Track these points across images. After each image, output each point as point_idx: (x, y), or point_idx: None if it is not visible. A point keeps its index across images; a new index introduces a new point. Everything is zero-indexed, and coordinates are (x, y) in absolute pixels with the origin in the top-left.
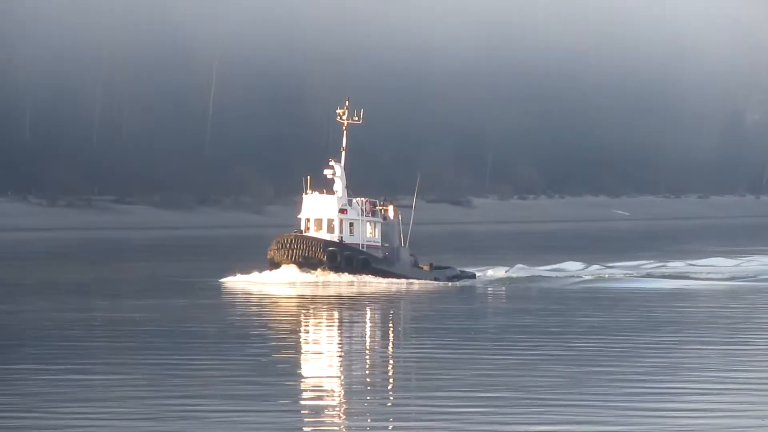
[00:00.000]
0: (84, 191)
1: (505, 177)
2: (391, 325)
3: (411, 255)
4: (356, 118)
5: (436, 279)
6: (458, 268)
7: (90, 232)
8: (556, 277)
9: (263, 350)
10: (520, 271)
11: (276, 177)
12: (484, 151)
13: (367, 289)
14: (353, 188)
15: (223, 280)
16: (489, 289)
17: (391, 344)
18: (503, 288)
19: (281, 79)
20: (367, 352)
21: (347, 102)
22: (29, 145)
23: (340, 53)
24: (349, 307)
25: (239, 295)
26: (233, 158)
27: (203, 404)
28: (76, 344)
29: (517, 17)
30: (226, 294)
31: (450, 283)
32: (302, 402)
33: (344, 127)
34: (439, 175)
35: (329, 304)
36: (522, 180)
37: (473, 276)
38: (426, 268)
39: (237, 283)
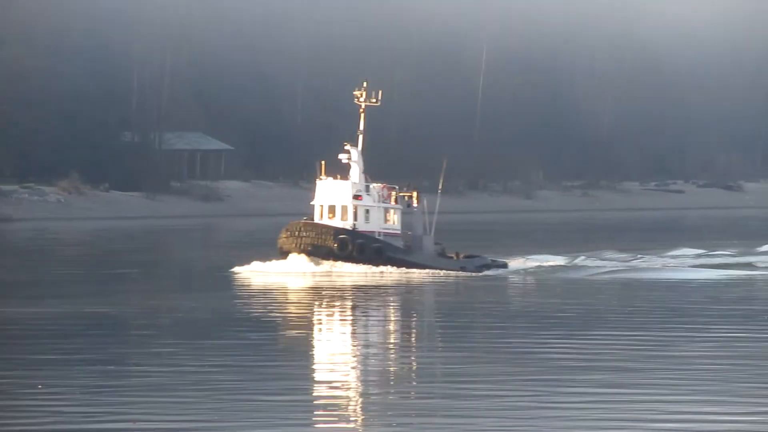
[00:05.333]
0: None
1: None
2: (395, 319)
3: (437, 244)
4: (374, 100)
5: (462, 268)
6: (489, 258)
7: None
8: (589, 267)
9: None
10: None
11: (546, 162)
12: (755, 135)
13: (376, 280)
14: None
15: (234, 269)
16: (512, 278)
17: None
18: (525, 278)
19: (548, 64)
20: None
21: (365, 84)
22: (300, 134)
23: (597, 40)
24: (353, 299)
25: (246, 288)
26: (503, 144)
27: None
28: None
29: None
30: (237, 286)
31: (474, 273)
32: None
33: (361, 110)
34: (711, 159)
35: (333, 295)
36: None
37: (505, 265)
38: (455, 257)
39: (248, 273)
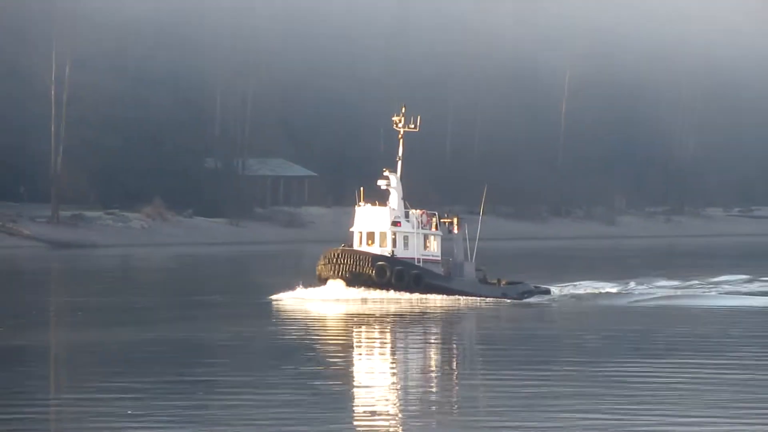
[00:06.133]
0: (435, 204)
1: None
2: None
3: (479, 270)
4: (412, 126)
5: (504, 295)
6: (532, 284)
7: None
8: (628, 294)
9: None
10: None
11: (628, 188)
12: None
13: (415, 307)
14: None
15: (272, 297)
16: (553, 305)
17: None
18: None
19: (631, 90)
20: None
21: (403, 109)
22: (382, 160)
23: (679, 65)
24: (392, 327)
25: (287, 314)
26: (585, 169)
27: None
28: None
29: None
30: (276, 312)
31: (516, 300)
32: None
33: (400, 136)
34: None
35: (371, 323)
36: None
37: (548, 292)
38: (497, 283)
39: (286, 300)
